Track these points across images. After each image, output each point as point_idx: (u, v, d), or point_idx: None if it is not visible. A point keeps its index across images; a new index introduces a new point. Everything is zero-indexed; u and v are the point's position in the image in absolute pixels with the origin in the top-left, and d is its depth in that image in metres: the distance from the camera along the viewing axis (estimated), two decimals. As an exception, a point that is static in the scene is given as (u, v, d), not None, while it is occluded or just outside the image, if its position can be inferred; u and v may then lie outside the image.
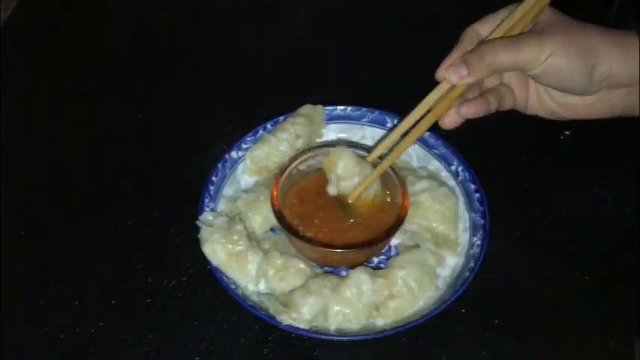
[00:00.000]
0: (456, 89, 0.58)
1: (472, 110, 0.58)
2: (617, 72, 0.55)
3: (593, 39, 0.55)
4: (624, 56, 0.55)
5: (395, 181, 0.63)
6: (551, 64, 0.55)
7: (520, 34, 0.57)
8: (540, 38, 0.55)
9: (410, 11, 0.60)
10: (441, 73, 0.59)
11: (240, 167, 0.69)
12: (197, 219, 0.62)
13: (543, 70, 0.55)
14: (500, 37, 0.57)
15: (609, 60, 0.55)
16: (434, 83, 0.63)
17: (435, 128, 0.61)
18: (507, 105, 0.62)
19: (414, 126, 0.60)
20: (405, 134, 0.61)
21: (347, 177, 0.62)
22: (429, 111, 0.59)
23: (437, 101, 0.59)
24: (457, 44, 0.60)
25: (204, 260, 0.60)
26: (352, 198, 0.63)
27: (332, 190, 0.63)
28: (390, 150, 0.63)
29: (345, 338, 0.56)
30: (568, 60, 0.55)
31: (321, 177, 0.65)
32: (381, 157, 0.63)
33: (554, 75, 0.56)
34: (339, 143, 0.65)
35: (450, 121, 0.59)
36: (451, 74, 0.57)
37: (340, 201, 0.63)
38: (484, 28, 0.59)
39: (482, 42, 0.57)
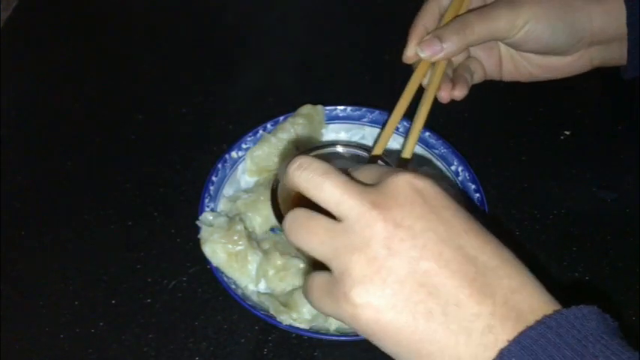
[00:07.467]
0: (438, 67, 0.56)
1: (463, 93, 0.57)
2: (598, 26, 0.53)
3: None
4: (602, 9, 0.53)
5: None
6: (531, 30, 0.53)
7: (491, 3, 0.55)
8: (512, 6, 0.53)
9: (411, 11, 0.60)
10: (410, 51, 0.57)
11: (240, 167, 0.69)
12: (197, 219, 0.62)
13: (522, 38, 0.54)
14: (471, 11, 0.55)
15: (588, 15, 0.53)
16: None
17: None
18: (478, 79, 0.61)
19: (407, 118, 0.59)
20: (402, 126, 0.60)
21: None
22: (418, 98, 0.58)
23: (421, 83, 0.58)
24: (417, 20, 0.58)
25: (204, 260, 0.60)
26: None
27: None
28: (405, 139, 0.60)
29: (345, 338, 0.56)
30: (549, 22, 0.53)
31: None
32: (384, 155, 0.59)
33: (535, 40, 0.54)
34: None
35: (446, 95, 0.57)
36: (425, 50, 0.55)
37: None
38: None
39: (455, 18, 0.55)
